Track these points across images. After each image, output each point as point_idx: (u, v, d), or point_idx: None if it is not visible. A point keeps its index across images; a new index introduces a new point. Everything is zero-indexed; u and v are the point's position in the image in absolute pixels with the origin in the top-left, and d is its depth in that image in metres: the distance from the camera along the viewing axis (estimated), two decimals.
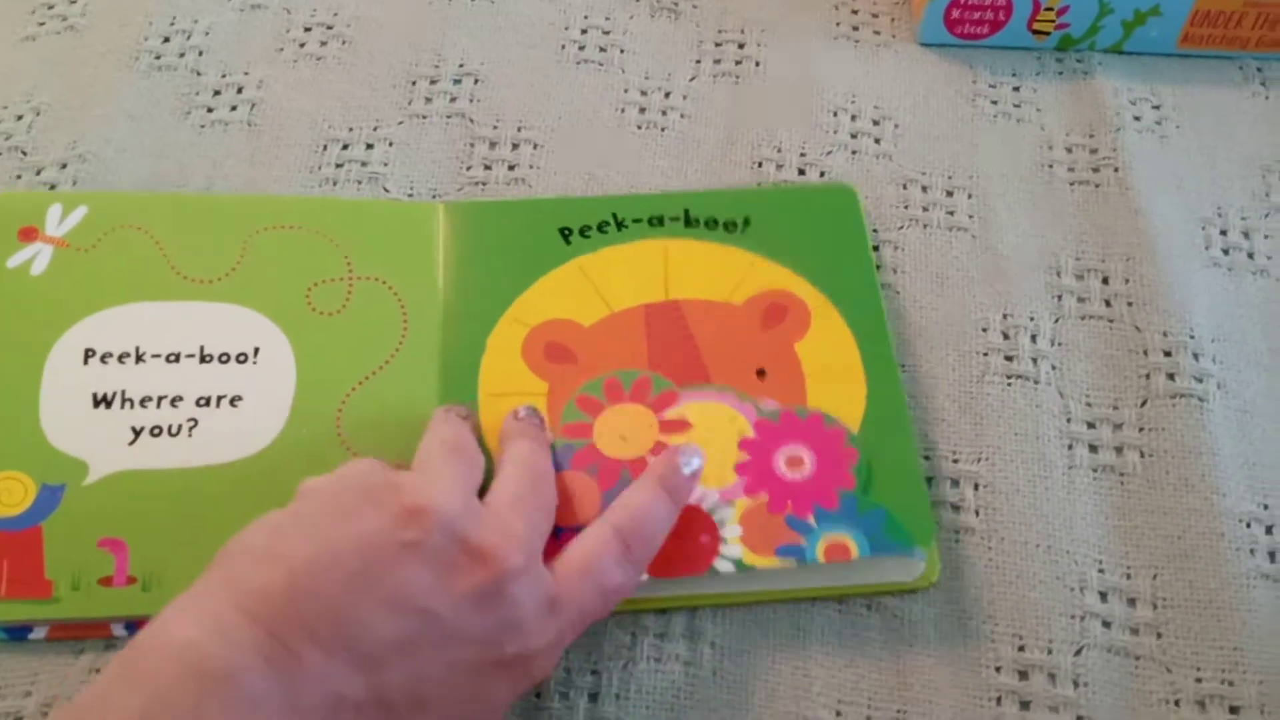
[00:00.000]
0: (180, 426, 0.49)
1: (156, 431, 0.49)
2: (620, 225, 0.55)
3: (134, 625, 0.46)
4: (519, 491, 0.43)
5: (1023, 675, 0.46)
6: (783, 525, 0.46)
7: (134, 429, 0.49)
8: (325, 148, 0.60)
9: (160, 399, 0.49)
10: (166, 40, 0.64)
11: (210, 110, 0.61)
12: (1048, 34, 0.65)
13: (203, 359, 0.50)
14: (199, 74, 0.63)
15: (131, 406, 0.49)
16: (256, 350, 0.51)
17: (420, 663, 0.38)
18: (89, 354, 0.50)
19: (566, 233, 0.55)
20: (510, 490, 0.43)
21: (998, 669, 0.47)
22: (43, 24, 0.65)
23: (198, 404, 0.49)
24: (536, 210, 0.56)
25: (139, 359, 0.50)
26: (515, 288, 0.53)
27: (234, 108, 0.62)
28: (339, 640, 0.36)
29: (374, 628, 0.37)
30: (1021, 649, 0.47)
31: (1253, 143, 0.63)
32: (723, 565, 0.45)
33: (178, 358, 0.50)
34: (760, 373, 0.50)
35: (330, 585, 0.37)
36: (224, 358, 0.51)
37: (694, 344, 0.51)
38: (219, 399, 0.50)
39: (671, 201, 0.56)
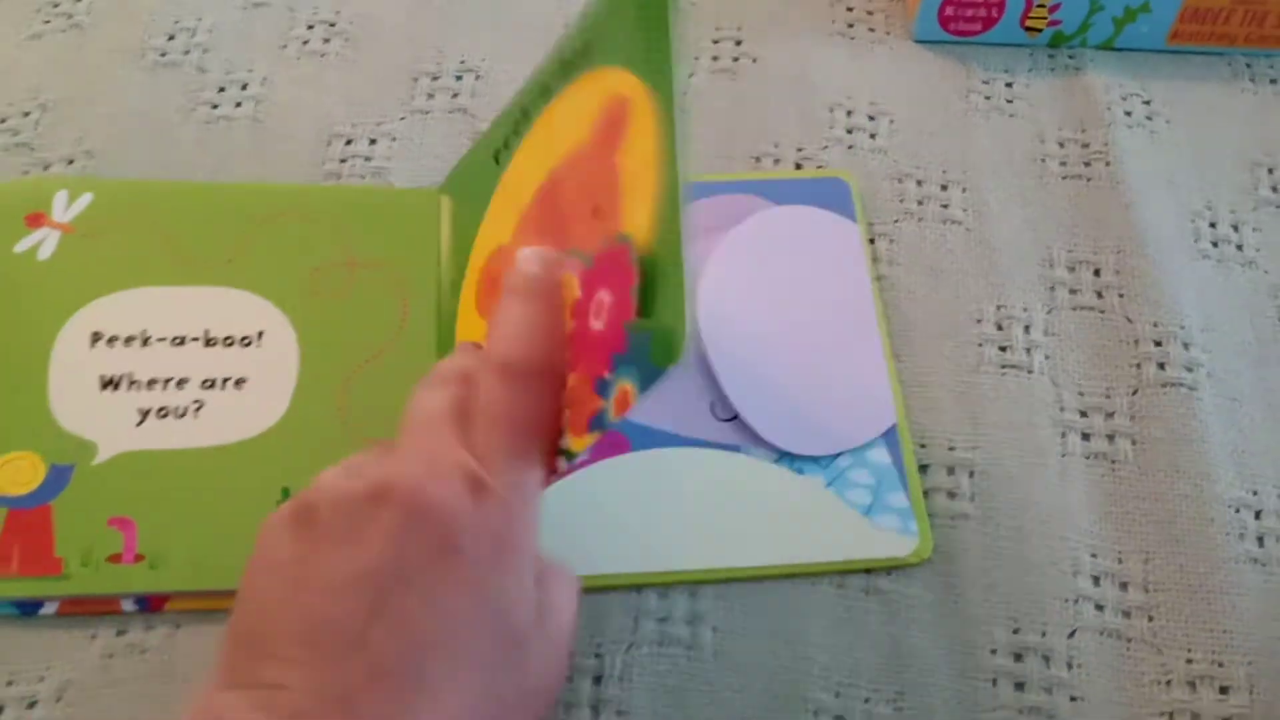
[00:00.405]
0: (186, 408, 0.50)
1: (163, 413, 0.50)
2: (527, 118, 0.50)
3: (143, 601, 0.47)
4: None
5: (1017, 657, 0.47)
6: (592, 393, 0.38)
7: (141, 410, 0.50)
8: (329, 143, 0.61)
9: (166, 381, 0.51)
10: (171, 38, 0.65)
11: (215, 107, 0.62)
12: (1040, 31, 0.66)
13: (208, 342, 0.52)
14: (203, 71, 0.64)
15: (138, 389, 0.50)
16: (260, 334, 0.52)
17: (397, 615, 0.34)
18: (96, 337, 0.51)
19: (497, 155, 0.52)
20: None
21: (993, 651, 0.48)
22: (48, 22, 0.65)
23: (203, 386, 0.51)
24: (485, 149, 0.54)
25: (145, 342, 0.51)
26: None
27: (238, 104, 0.62)
28: (304, 646, 0.34)
29: (327, 616, 0.34)
30: (1016, 631, 0.48)
31: (1241, 138, 0.64)
32: (560, 464, 0.40)
33: (183, 341, 0.52)
34: (595, 210, 0.41)
35: (264, 597, 0.35)
36: (228, 341, 0.52)
37: (559, 214, 0.45)
38: (224, 381, 0.51)
39: (550, 63, 0.48)
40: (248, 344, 0.52)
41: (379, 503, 0.35)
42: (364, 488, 0.35)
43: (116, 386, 0.50)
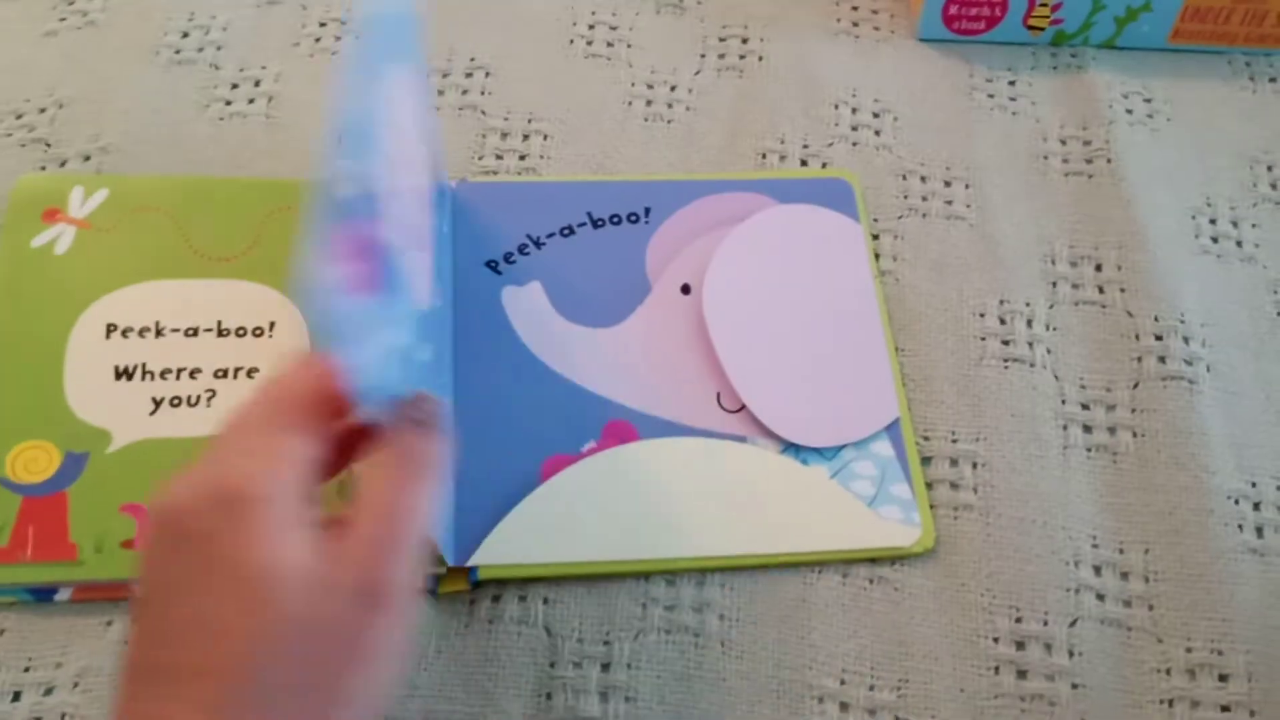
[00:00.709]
0: (199, 397, 0.51)
1: (176, 402, 0.51)
2: None
3: None
4: None
5: (1020, 645, 0.48)
6: None
7: (154, 400, 0.51)
8: (340, 140, 0.61)
9: (180, 371, 0.52)
10: (185, 35, 0.66)
11: (228, 103, 0.63)
12: (1042, 30, 0.66)
13: (220, 333, 0.53)
14: (217, 68, 0.64)
15: (152, 378, 0.51)
16: (272, 325, 0.53)
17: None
18: (111, 329, 0.52)
19: None
20: None
21: (995, 640, 0.48)
22: (64, 19, 0.66)
23: (215, 376, 0.52)
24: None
25: (159, 333, 0.52)
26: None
27: (251, 101, 0.63)
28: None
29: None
30: (1019, 620, 0.49)
31: (1241, 135, 0.64)
32: None
33: (196, 332, 0.53)
34: None
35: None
36: (240, 332, 0.53)
37: None
38: (236, 371, 0.52)
39: None
40: (260, 335, 0.53)
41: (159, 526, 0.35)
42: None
43: (130, 376, 0.51)
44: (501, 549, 0.49)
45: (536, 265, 0.56)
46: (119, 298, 0.53)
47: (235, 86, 0.64)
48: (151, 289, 0.54)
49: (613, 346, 0.54)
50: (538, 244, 0.57)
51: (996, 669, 0.48)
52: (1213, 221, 0.61)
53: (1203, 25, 0.66)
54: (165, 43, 0.65)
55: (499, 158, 0.61)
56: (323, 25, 0.67)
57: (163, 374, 0.52)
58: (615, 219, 0.58)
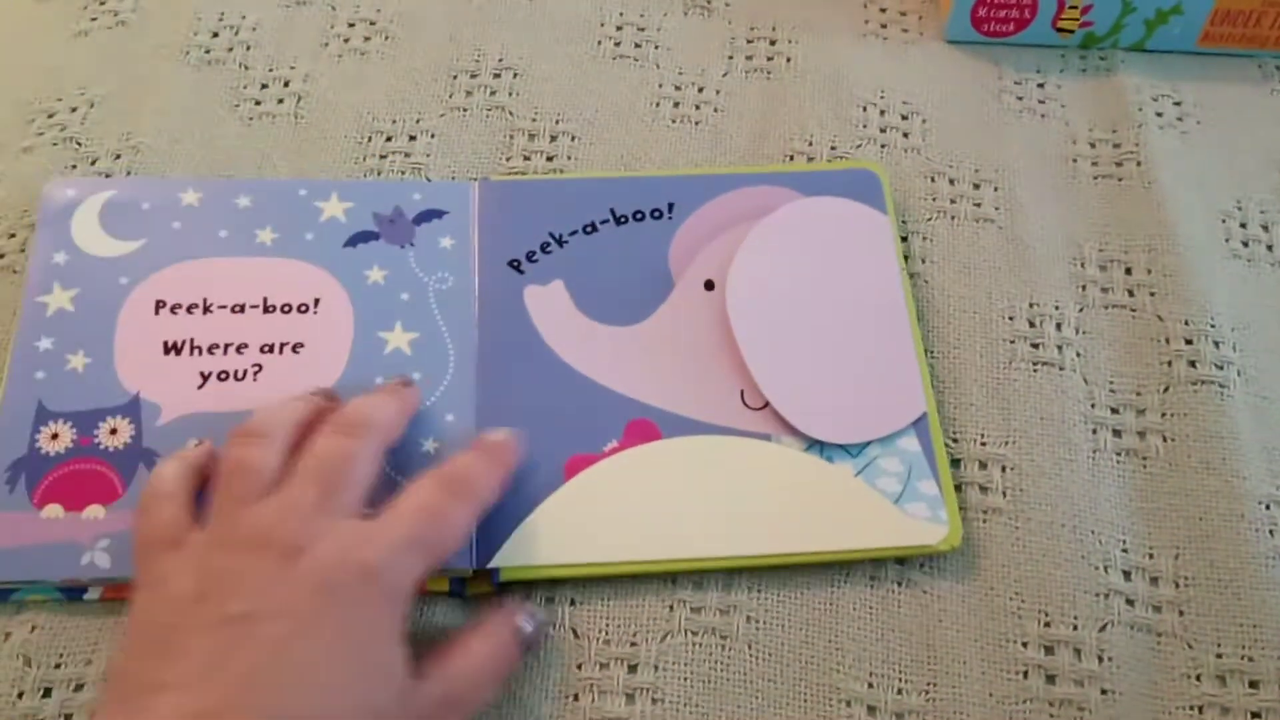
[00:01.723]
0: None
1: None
2: None
3: None
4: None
5: (1049, 650, 0.48)
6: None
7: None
8: (369, 139, 0.62)
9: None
10: (215, 35, 0.66)
11: (258, 103, 0.63)
12: (1072, 32, 0.66)
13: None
14: (247, 68, 0.65)
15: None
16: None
17: (249, 648, 0.39)
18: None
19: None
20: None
21: (1024, 644, 0.48)
22: (95, 19, 0.67)
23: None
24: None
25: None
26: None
27: (281, 101, 0.63)
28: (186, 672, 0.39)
29: (197, 650, 0.39)
30: (1047, 625, 0.48)
31: (1271, 139, 0.64)
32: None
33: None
34: None
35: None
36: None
37: None
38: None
39: None
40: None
41: (260, 549, 0.42)
42: (254, 538, 0.42)
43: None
44: (525, 551, 0.49)
45: (559, 263, 0.56)
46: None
47: (265, 86, 0.64)
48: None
49: (635, 344, 0.54)
50: (560, 242, 0.57)
51: (1025, 673, 0.48)
52: (1243, 225, 0.60)
53: (1233, 28, 0.65)
54: (196, 42, 0.66)
55: (526, 158, 0.61)
56: (351, 26, 0.67)
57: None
58: (638, 215, 0.58)
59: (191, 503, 0.45)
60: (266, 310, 0.53)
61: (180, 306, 0.53)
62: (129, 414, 0.50)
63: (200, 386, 0.51)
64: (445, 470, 0.46)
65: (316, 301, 0.54)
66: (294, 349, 0.53)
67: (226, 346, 0.52)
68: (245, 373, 0.52)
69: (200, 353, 0.52)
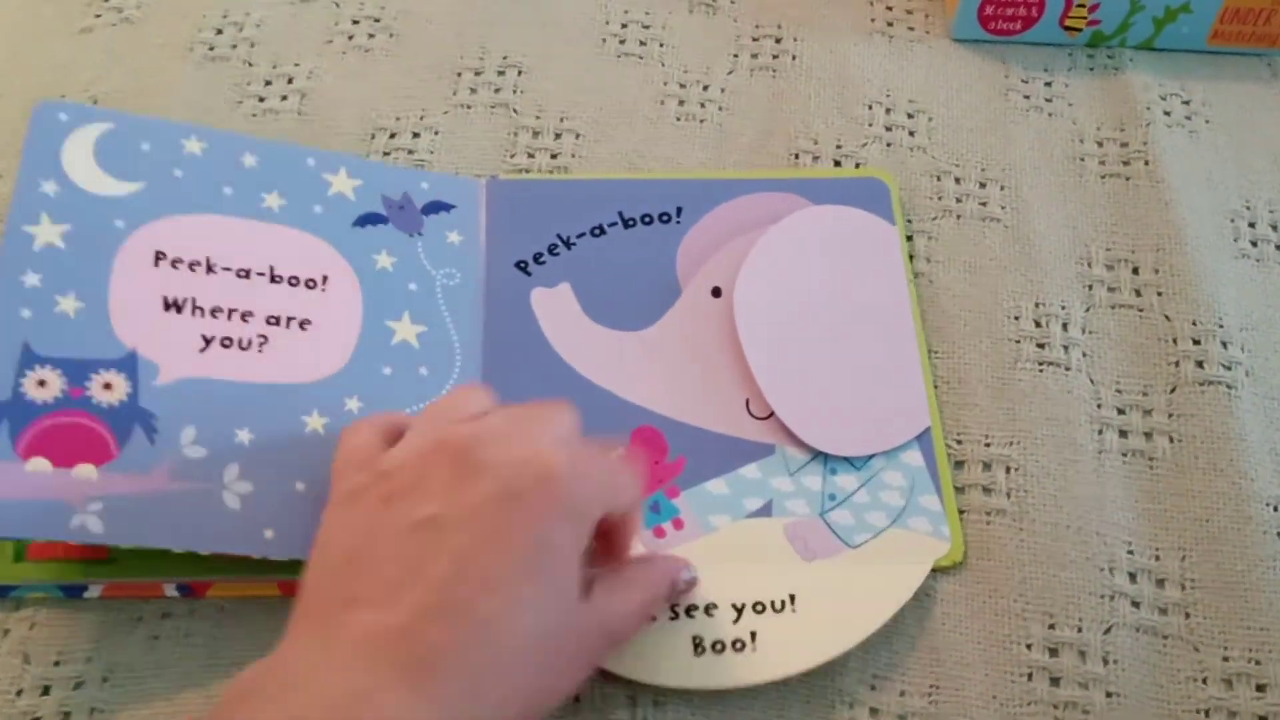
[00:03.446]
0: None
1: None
2: None
3: (185, 587, 0.48)
4: None
5: (1053, 652, 0.48)
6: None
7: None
8: (373, 136, 0.62)
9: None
10: (219, 32, 0.66)
11: (262, 100, 0.63)
12: (1080, 30, 0.66)
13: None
14: (251, 65, 0.65)
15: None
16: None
17: (454, 553, 0.38)
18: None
19: None
20: None
21: (1029, 646, 0.48)
22: (99, 16, 0.67)
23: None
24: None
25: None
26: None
27: (284, 97, 0.63)
28: (375, 588, 0.38)
29: (393, 556, 0.39)
30: (1052, 627, 0.48)
31: None
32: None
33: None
34: None
35: (340, 546, 0.41)
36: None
37: None
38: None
39: None
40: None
41: (439, 453, 0.40)
42: (426, 443, 0.41)
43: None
44: None
45: (566, 266, 0.56)
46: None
47: (269, 83, 0.64)
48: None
49: (642, 351, 0.54)
50: (568, 244, 0.57)
51: (1029, 675, 0.47)
52: (1252, 225, 0.60)
53: (1242, 26, 0.65)
54: (200, 39, 0.65)
55: (530, 156, 0.61)
56: (355, 23, 0.67)
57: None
58: (647, 219, 0.57)
59: (390, 435, 0.45)
60: (274, 280, 0.51)
61: (182, 262, 0.50)
62: (125, 370, 0.47)
63: (203, 350, 0.48)
64: None
65: (325, 279, 0.52)
66: (301, 325, 0.51)
67: (231, 312, 0.50)
68: (250, 342, 0.49)
69: (203, 314, 0.49)
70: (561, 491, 0.39)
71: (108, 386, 0.46)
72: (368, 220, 0.55)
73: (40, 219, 0.48)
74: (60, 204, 0.49)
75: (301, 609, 0.40)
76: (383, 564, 0.38)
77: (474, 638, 0.37)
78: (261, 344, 0.50)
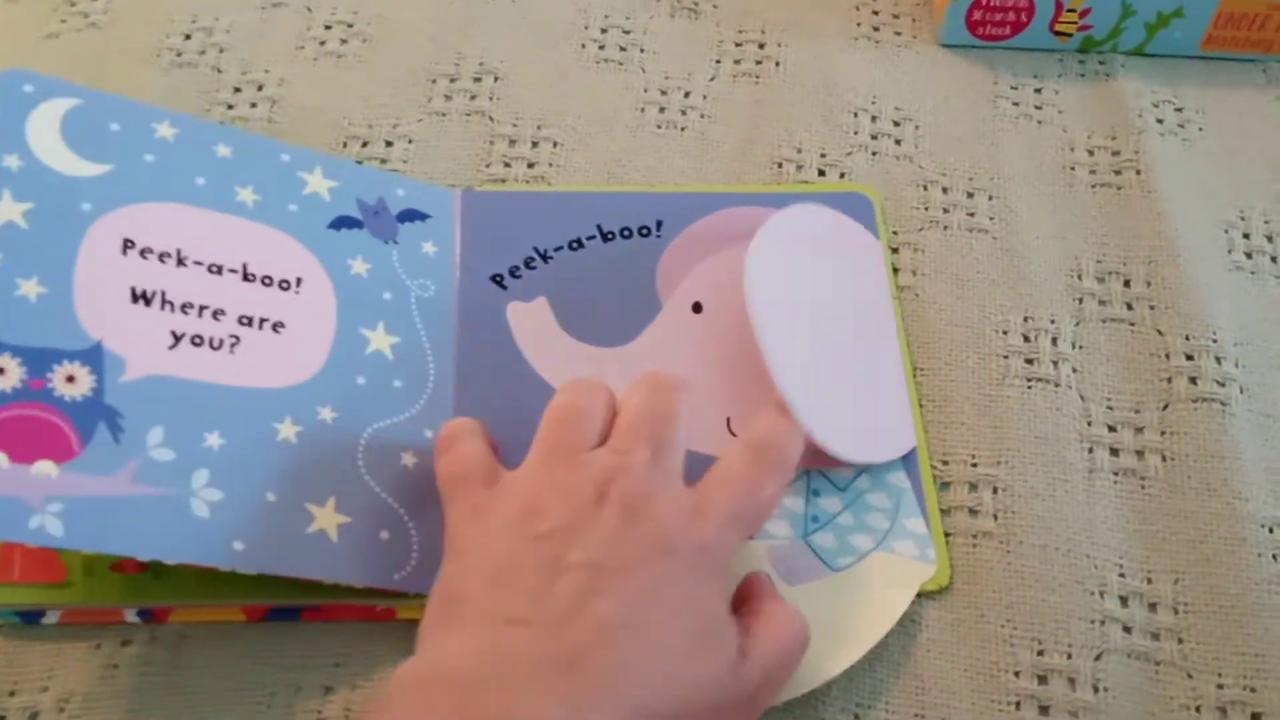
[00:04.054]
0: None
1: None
2: None
3: (146, 612, 0.46)
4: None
5: (1041, 680, 0.46)
6: None
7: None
8: (345, 145, 0.60)
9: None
10: (188, 37, 0.64)
11: (231, 107, 0.62)
12: (1070, 36, 0.64)
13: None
14: (220, 71, 0.63)
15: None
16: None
17: (616, 596, 0.39)
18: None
19: None
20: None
21: (1016, 673, 0.46)
22: (65, 21, 0.65)
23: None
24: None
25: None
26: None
27: (254, 105, 0.62)
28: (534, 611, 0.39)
29: (557, 591, 0.39)
30: (1040, 653, 0.47)
31: (1276, 146, 0.62)
32: None
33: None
34: None
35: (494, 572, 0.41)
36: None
37: None
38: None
39: None
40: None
41: (602, 501, 0.41)
42: (592, 489, 0.41)
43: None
44: None
45: (543, 280, 0.54)
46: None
47: (238, 90, 0.62)
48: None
49: (620, 367, 0.52)
50: (545, 257, 0.55)
51: (1018, 704, 0.46)
52: (1246, 236, 0.59)
53: (1237, 32, 0.64)
54: (168, 45, 0.64)
55: (507, 165, 0.60)
56: (327, 28, 0.65)
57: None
58: (626, 232, 0.56)
59: (489, 443, 0.47)
60: (246, 278, 0.49)
61: (151, 252, 0.48)
62: (90, 363, 0.45)
63: (172, 347, 0.46)
64: (758, 438, 0.45)
65: (299, 281, 0.50)
66: (274, 328, 0.49)
67: (202, 309, 0.48)
68: (222, 342, 0.47)
69: (173, 309, 0.47)
70: (710, 556, 0.41)
71: (71, 379, 0.44)
72: (343, 223, 0.53)
73: (1, 194, 0.46)
74: (23, 180, 0.46)
75: (444, 611, 0.41)
76: (547, 592, 0.39)
77: (635, 672, 0.38)
78: (233, 344, 0.48)
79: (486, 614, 0.39)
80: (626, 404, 0.45)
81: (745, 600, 0.44)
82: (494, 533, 0.42)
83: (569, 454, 0.43)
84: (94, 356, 0.45)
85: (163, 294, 0.47)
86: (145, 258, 0.48)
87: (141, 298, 0.47)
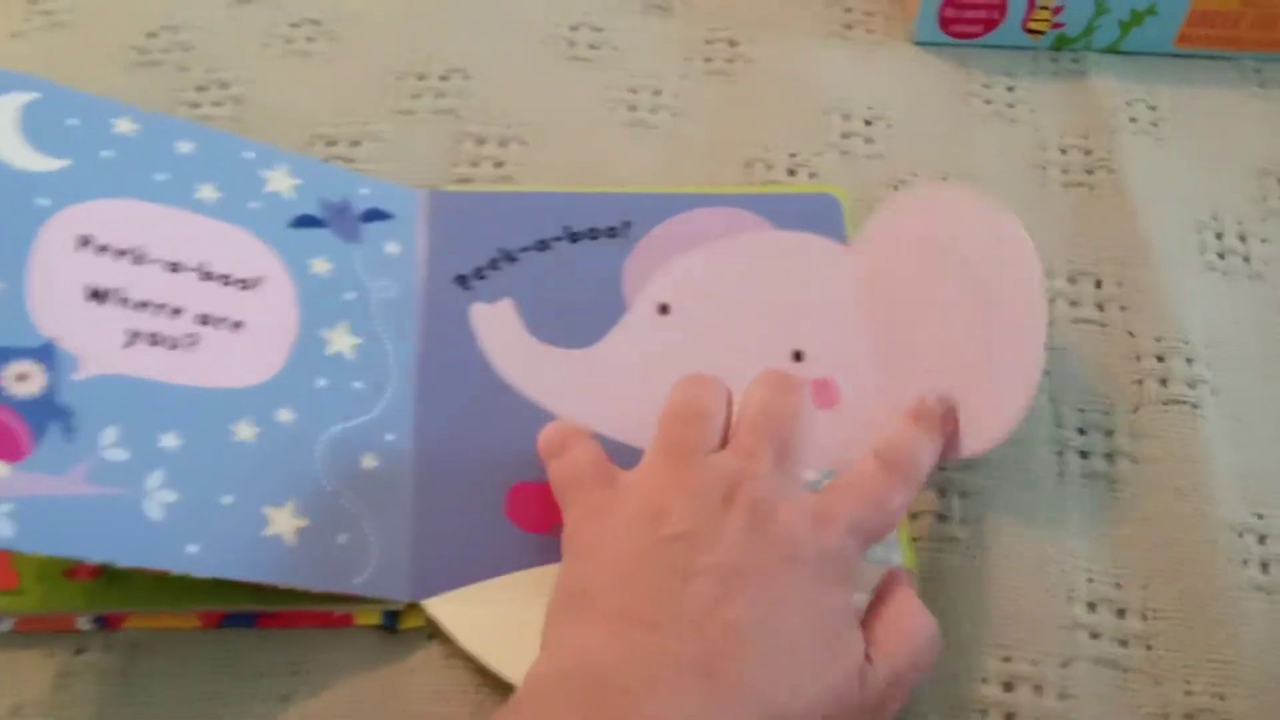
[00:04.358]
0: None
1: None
2: None
3: (100, 619, 0.46)
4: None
5: (1008, 687, 0.46)
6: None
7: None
8: (311, 144, 0.60)
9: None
10: (153, 36, 0.64)
11: (196, 106, 0.61)
12: (1043, 33, 0.64)
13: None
14: (185, 70, 0.62)
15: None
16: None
17: (745, 601, 0.39)
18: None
19: None
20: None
21: (983, 680, 0.46)
22: (29, 20, 0.64)
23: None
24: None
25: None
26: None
27: (220, 104, 0.61)
28: (665, 614, 0.39)
29: (687, 596, 0.39)
30: (1007, 660, 0.46)
31: (1250, 145, 0.62)
32: None
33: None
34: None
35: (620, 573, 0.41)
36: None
37: None
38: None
39: None
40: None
41: (729, 505, 0.41)
42: (719, 492, 0.41)
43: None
44: (463, 614, 0.46)
45: (508, 281, 0.54)
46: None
47: (203, 89, 0.62)
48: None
49: (585, 369, 0.52)
50: (510, 258, 0.54)
51: (984, 712, 0.45)
52: (1219, 236, 0.58)
53: (1210, 29, 0.63)
54: (133, 44, 0.63)
55: (474, 165, 0.59)
56: (295, 26, 0.64)
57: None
58: (593, 233, 0.55)
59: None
60: (205, 277, 0.49)
61: (108, 249, 0.47)
62: (42, 360, 0.44)
63: (128, 346, 0.46)
64: (889, 447, 0.45)
65: (259, 280, 0.50)
66: (233, 327, 0.48)
67: (160, 307, 0.47)
68: (179, 341, 0.47)
69: (130, 307, 0.46)
70: (834, 565, 0.41)
71: (22, 377, 0.43)
72: (305, 222, 0.52)
73: None
74: None
75: (576, 610, 0.41)
76: (677, 595, 0.39)
77: (767, 677, 0.38)
78: (191, 344, 0.47)
79: (616, 613, 0.39)
80: (748, 403, 0.45)
81: (877, 600, 0.44)
82: (617, 533, 0.42)
83: (691, 454, 0.43)
84: (47, 354, 0.44)
85: (119, 292, 0.47)
86: (102, 255, 0.47)
87: (97, 295, 0.46)
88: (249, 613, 0.46)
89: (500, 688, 0.45)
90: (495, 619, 0.45)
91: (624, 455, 0.49)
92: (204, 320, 0.48)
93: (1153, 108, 0.63)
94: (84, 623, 0.46)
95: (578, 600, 0.41)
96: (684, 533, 0.40)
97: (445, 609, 0.46)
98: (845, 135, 0.61)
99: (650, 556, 0.40)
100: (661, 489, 0.43)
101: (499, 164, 0.59)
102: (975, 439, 0.48)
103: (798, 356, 0.52)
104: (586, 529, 0.43)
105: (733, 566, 0.39)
